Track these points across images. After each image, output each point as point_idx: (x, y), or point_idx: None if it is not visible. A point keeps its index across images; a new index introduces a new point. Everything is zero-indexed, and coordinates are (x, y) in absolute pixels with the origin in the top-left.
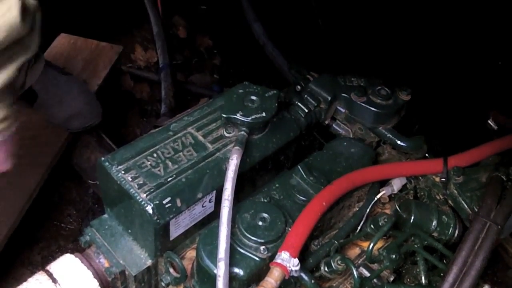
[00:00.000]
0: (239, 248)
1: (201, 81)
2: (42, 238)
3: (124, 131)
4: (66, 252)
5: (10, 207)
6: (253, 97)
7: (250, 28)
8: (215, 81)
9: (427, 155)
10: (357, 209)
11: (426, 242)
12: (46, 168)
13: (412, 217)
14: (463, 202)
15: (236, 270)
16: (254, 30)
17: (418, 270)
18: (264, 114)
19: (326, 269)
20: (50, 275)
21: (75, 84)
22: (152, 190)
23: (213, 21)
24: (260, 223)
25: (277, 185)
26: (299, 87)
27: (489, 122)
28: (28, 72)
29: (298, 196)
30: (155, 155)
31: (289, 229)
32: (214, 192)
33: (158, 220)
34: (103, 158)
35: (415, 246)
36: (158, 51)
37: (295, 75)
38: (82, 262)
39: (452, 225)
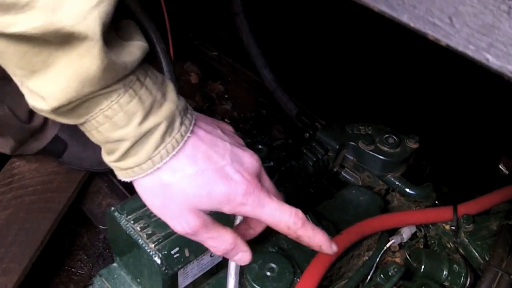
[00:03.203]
0: None
1: None
2: (53, 284)
3: None
4: None
5: (22, 254)
6: (261, 146)
7: (260, 73)
8: None
9: (436, 202)
10: (367, 258)
11: None
12: (57, 214)
13: (423, 267)
14: (474, 251)
15: None
16: (264, 76)
17: None
18: (272, 163)
19: None
20: None
21: None
22: (160, 240)
23: (224, 67)
24: (268, 273)
25: None
26: (307, 134)
27: (500, 167)
28: None
29: None
30: None
31: (298, 280)
32: None
33: (166, 271)
34: (112, 208)
35: None
36: None
37: (303, 122)
38: None
39: (463, 274)
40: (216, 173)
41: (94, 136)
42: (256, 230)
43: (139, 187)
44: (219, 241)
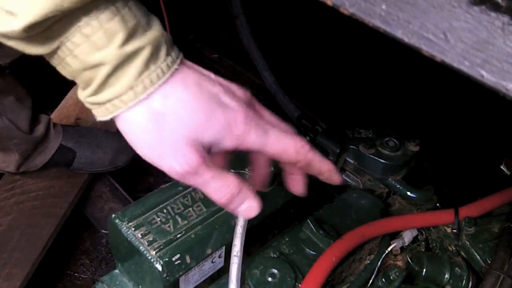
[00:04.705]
0: None
1: None
2: None
3: (137, 180)
4: None
5: (24, 259)
6: None
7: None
8: None
9: (438, 205)
10: (368, 262)
11: None
12: (60, 219)
13: (424, 270)
14: (475, 253)
15: None
16: (265, 79)
17: None
18: (272, 168)
19: None
20: None
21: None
22: (161, 247)
23: (225, 69)
24: (270, 279)
25: (286, 239)
26: (308, 138)
27: (502, 167)
28: None
29: (308, 250)
30: (165, 210)
31: (299, 285)
32: (224, 247)
33: (167, 278)
34: (113, 215)
35: None
36: None
37: (304, 125)
38: None
39: (465, 277)
40: (211, 99)
41: (69, 64)
42: (262, 172)
43: (124, 125)
44: (223, 182)
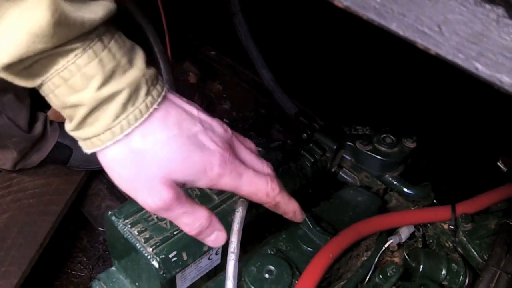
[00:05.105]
0: None
1: None
2: (53, 287)
3: None
4: None
5: (21, 257)
6: (258, 149)
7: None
8: None
9: (435, 201)
10: (365, 258)
11: None
12: (57, 216)
13: (421, 266)
14: (472, 250)
15: None
16: (263, 76)
17: None
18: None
19: None
20: None
21: None
22: (158, 244)
23: (223, 66)
24: (267, 275)
25: (283, 235)
26: (305, 134)
27: (499, 164)
28: None
29: (305, 247)
30: None
31: (296, 281)
32: None
33: (164, 275)
34: (110, 212)
35: None
36: None
37: (302, 122)
38: None
39: (462, 274)
40: (189, 140)
41: (52, 100)
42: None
43: (103, 159)
44: (194, 217)
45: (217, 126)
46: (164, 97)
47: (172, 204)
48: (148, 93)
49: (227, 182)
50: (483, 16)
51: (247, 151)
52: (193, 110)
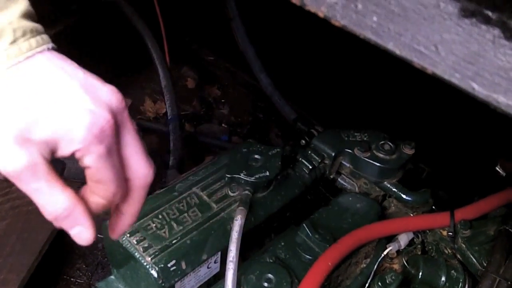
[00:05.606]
0: None
1: (210, 131)
2: None
3: None
4: None
5: (20, 264)
6: (257, 156)
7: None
8: (223, 131)
9: (433, 207)
10: (364, 265)
11: None
12: None
13: (421, 273)
14: (471, 256)
15: None
16: (261, 81)
17: None
18: (267, 173)
19: None
20: None
21: None
22: (157, 253)
23: (221, 71)
24: (266, 284)
25: (282, 243)
26: (303, 141)
27: (497, 168)
28: None
29: (304, 255)
30: (160, 216)
31: None
32: (219, 253)
33: (163, 284)
34: (108, 221)
35: None
36: (167, 104)
37: (300, 128)
38: None
39: (461, 280)
40: (58, 92)
41: None
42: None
43: None
44: (49, 200)
45: (107, 91)
46: (41, 55)
47: (22, 172)
48: (14, 43)
49: (92, 162)
50: (479, 36)
51: (136, 139)
52: (78, 72)
